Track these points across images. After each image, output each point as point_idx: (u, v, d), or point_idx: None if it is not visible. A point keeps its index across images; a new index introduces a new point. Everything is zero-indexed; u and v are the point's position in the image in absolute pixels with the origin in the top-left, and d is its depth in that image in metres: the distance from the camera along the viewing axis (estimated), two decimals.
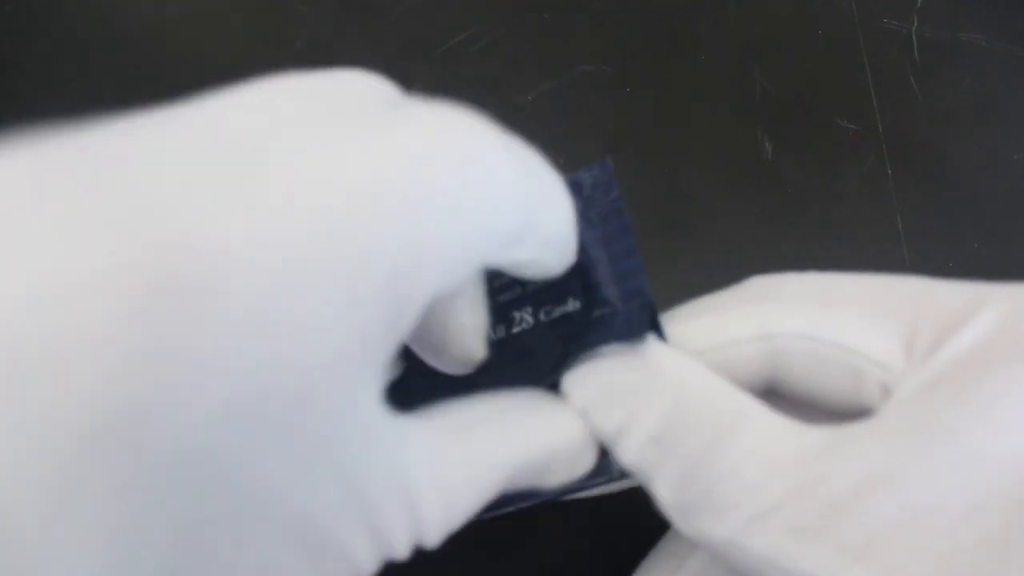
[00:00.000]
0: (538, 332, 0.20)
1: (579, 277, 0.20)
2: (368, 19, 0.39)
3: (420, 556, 0.15)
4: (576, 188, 0.22)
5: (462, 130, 0.15)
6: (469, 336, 0.18)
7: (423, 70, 0.37)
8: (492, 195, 0.15)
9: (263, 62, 0.39)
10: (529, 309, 0.20)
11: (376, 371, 0.13)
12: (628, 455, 0.17)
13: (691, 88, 0.36)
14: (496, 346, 0.20)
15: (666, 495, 0.16)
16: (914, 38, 0.37)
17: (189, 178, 0.12)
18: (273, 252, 0.11)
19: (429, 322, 0.18)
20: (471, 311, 0.18)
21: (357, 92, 0.16)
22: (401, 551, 0.14)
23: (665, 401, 0.17)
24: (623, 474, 0.18)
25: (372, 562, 0.14)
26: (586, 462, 0.18)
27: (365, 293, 0.12)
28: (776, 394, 0.19)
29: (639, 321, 0.18)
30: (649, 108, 0.36)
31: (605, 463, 0.18)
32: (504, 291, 0.21)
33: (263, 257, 0.11)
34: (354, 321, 0.12)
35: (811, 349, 0.17)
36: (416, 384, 0.19)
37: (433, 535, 0.15)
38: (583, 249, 0.20)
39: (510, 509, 0.19)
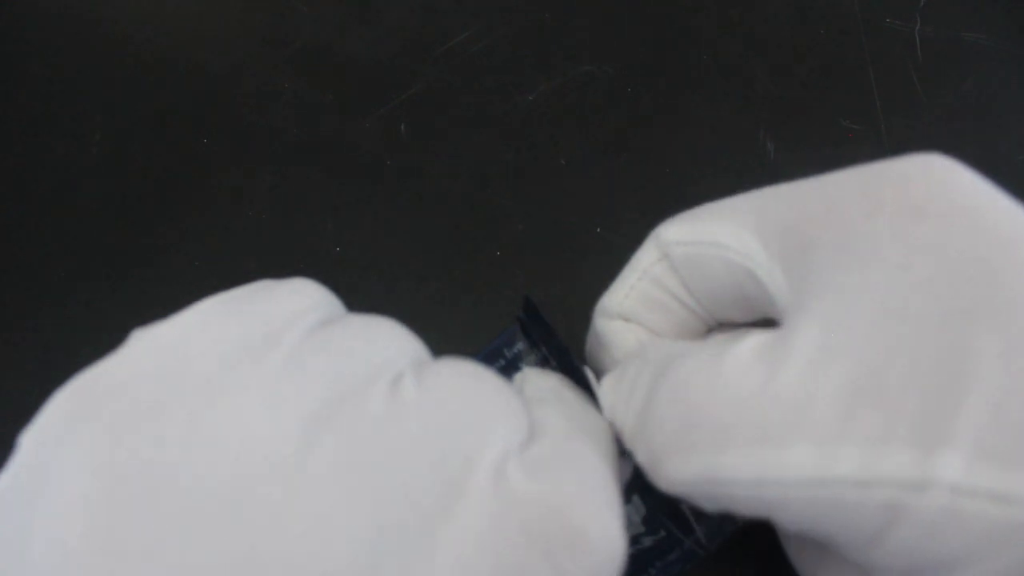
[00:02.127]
0: None
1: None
2: (368, 19, 0.39)
3: None
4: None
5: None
6: None
7: (423, 70, 0.37)
8: None
9: (263, 62, 0.39)
10: None
11: None
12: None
13: (692, 88, 0.36)
14: None
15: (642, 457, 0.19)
16: (917, 38, 0.37)
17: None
18: None
19: None
20: None
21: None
22: None
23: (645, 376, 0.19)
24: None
25: None
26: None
27: None
28: None
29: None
30: (649, 108, 0.36)
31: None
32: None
33: None
34: None
35: (691, 252, 0.21)
36: None
37: None
38: None
39: None
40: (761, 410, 0.16)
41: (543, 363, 0.25)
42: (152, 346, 0.16)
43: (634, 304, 0.23)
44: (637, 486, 0.23)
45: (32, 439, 0.14)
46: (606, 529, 0.15)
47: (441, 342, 0.22)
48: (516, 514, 0.15)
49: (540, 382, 0.22)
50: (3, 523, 0.14)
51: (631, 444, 0.19)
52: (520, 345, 0.26)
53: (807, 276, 0.17)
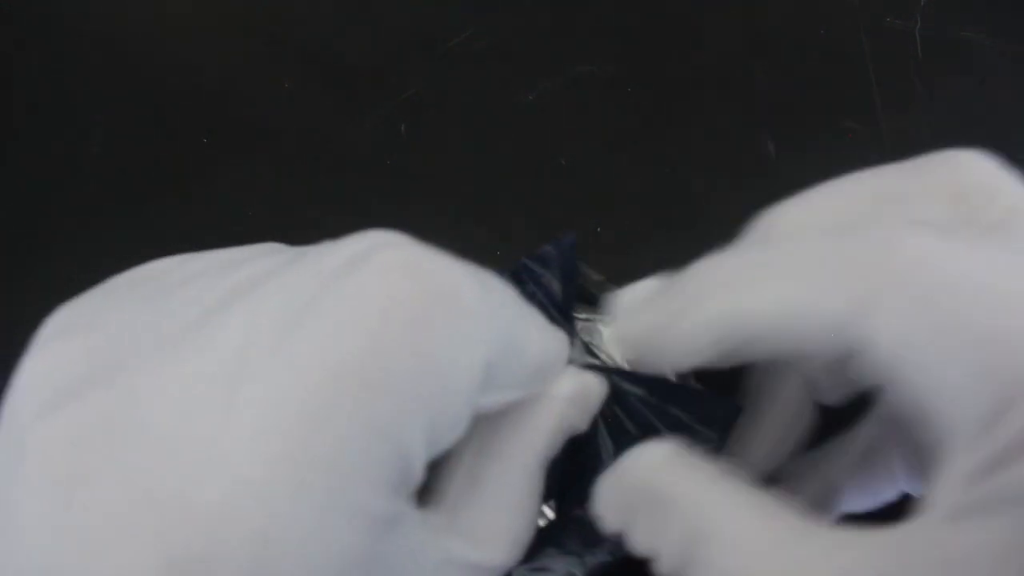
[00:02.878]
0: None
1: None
2: (368, 19, 0.39)
3: None
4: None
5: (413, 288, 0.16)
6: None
7: (423, 70, 0.37)
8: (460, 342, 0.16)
9: (263, 62, 0.39)
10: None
11: (396, 513, 0.15)
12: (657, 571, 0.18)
13: (693, 87, 0.36)
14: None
15: None
16: (917, 37, 0.36)
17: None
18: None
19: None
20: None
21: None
22: None
23: (677, 535, 0.17)
24: None
25: None
26: (595, 398, 0.21)
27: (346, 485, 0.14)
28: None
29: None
30: (650, 108, 0.36)
31: None
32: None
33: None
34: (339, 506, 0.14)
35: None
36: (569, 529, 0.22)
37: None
38: None
39: None
40: None
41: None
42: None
43: None
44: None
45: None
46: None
47: None
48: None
49: None
50: None
51: None
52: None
53: None
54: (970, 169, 0.18)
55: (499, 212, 0.34)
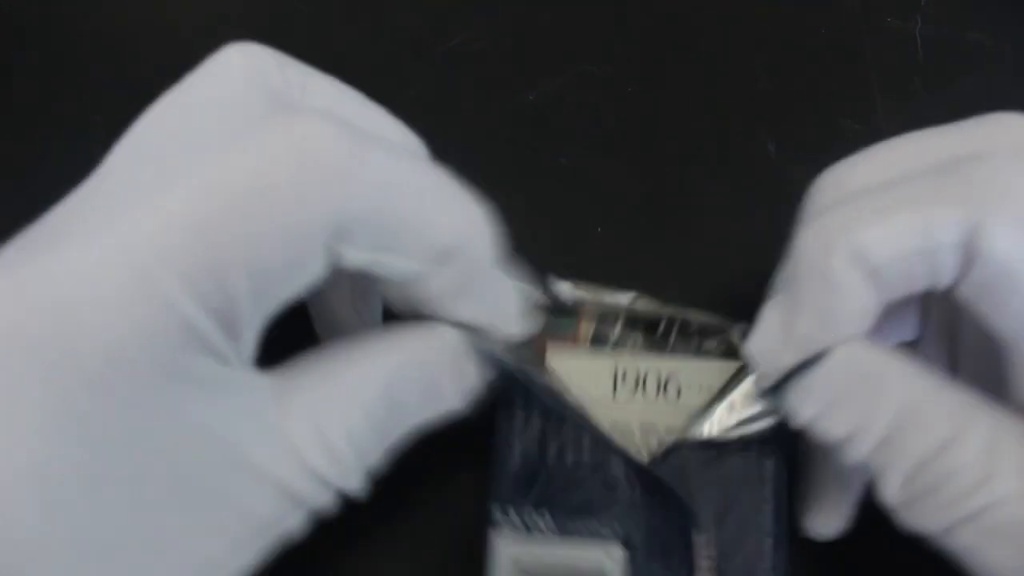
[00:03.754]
0: None
1: None
2: (368, 19, 0.39)
3: None
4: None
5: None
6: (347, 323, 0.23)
7: (423, 70, 0.37)
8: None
9: None
10: None
11: (220, 344, 0.16)
12: (858, 457, 0.19)
13: (693, 87, 0.36)
14: None
15: (892, 491, 0.18)
16: (918, 37, 0.36)
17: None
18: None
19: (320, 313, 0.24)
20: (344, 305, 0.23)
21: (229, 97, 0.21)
22: (319, 501, 0.17)
23: (893, 407, 0.18)
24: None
25: (288, 516, 0.17)
26: (470, 372, 0.20)
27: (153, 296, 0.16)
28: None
29: None
30: (650, 107, 0.36)
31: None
32: None
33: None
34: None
35: (905, 268, 0.18)
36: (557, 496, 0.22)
37: (345, 479, 0.18)
38: None
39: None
40: None
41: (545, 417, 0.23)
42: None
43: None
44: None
45: None
46: None
47: None
48: None
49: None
50: None
51: (871, 466, 0.19)
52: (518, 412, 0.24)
53: None
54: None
55: (499, 212, 0.34)
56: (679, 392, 0.24)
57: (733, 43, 0.37)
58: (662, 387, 0.24)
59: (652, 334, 0.25)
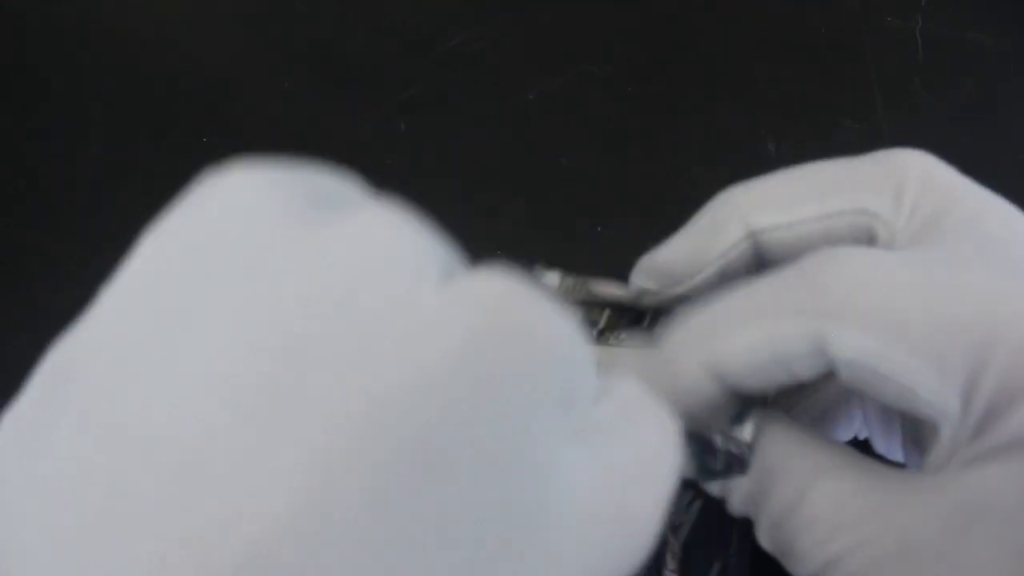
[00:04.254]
0: None
1: None
2: (368, 19, 0.39)
3: None
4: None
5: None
6: None
7: (423, 70, 0.37)
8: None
9: (263, 62, 0.39)
10: None
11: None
12: (734, 509, 0.20)
13: (693, 87, 0.36)
14: None
15: (764, 542, 0.19)
16: (918, 37, 0.36)
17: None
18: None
19: None
20: None
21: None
22: None
23: (756, 465, 0.19)
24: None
25: None
26: None
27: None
28: None
29: None
30: (650, 108, 0.36)
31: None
32: None
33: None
34: None
35: (788, 237, 0.21)
36: None
37: None
38: None
39: None
40: None
41: None
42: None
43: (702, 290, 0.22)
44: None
45: (8, 432, 0.13)
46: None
47: None
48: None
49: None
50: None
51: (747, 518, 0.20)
52: None
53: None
54: (910, 165, 0.20)
55: (499, 212, 0.34)
56: None
57: (733, 43, 0.37)
58: None
59: (637, 324, 0.26)
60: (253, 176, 0.15)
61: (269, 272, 0.12)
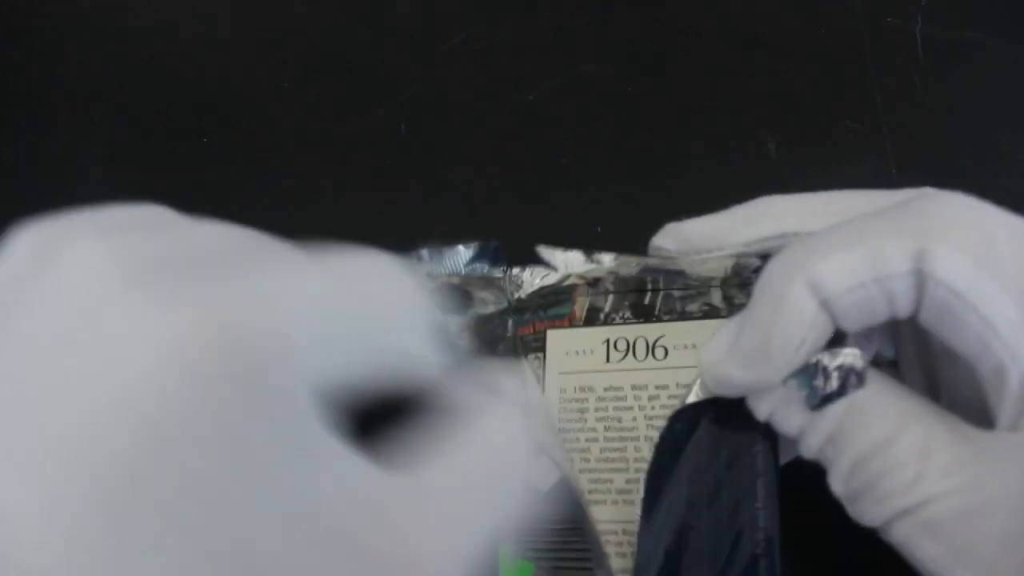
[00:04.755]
0: None
1: None
2: (368, 19, 0.39)
3: None
4: None
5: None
6: None
7: (423, 70, 0.37)
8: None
9: (263, 62, 0.39)
10: None
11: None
12: (809, 451, 0.20)
13: (693, 87, 0.36)
14: None
15: (838, 485, 0.19)
16: (918, 37, 0.36)
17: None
18: None
19: None
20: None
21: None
22: None
23: (838, 407, 0.19)
24: None
25: None
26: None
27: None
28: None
29: None
30: (650, 108, 0.36)
31: None
32: None
33: None
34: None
35: (862, 296, 0.19)
36: None
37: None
38: None
39: None
40: None
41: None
42: None
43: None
44: None
45: None
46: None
47: None
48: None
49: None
50: None
51: (820, 460, 0.20)
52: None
53: None
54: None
55: (499, 212, 0.34)
56: (666, 353, 0.26)
57: (733, 43, 0.37)
58: (650, 350, 0.26)
59: (640, 303, 0.28)
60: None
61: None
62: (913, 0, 0.37)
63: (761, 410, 0.20)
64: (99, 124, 0.36)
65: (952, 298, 0.18)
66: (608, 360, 0.27)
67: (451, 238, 0.33)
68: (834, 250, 0.19)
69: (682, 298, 0.27)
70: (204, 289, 0.13)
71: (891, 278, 0.18)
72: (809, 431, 0.20)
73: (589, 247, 0.33)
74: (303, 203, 0.34)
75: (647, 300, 0.28)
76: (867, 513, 0.19)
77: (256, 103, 0.37)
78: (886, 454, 0.18)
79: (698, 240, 0.24)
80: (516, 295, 0.28)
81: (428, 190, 0.34)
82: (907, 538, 0.18)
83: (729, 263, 0.25)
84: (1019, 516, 0.17)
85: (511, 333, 0.28)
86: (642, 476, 0.23)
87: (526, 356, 0.27)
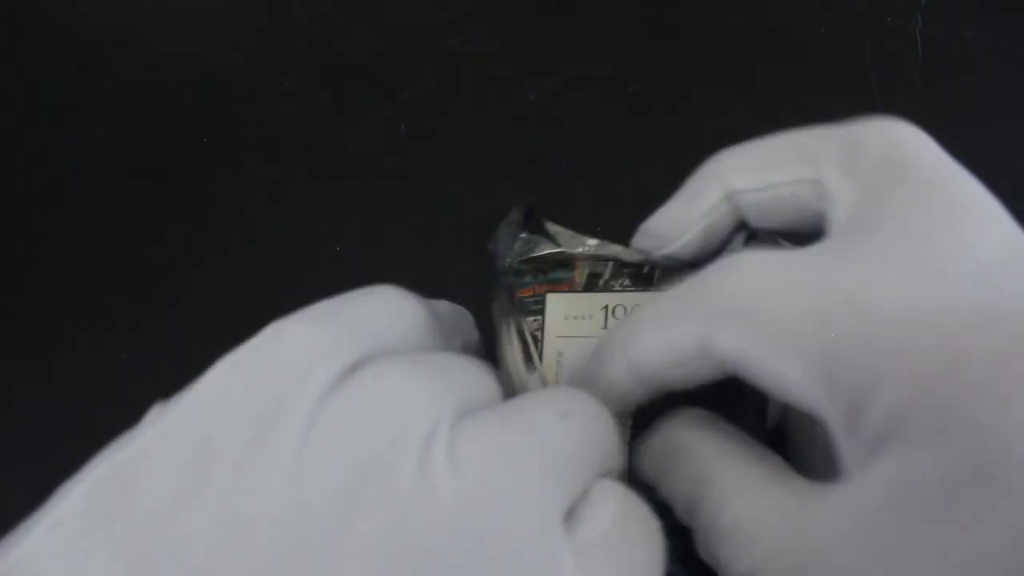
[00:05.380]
0: None
1: None
2: (368, 19, 0.39)
3: None
4: None
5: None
6: None
7: (423, 70, 0.37)
8: None
9: (263, 62, 0.39)
10: None
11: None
12: (681, 520, 0.21)
13: (693, 87, 0.36)
14: None
15: (701, 552, 0.20)
16: (918, 37, 0.36)
17: None
18: None
19: None
20: None
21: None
22: None
23: (689, 479, 0.20)
24: None
25: None
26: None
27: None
28: None
29: None
30: (650, 108, 0.36)
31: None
32: None
33: None
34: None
35: (762, 199, 0.22)
36: None
37: None
38: None
39: None
40: None
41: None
42: (171, 428, 0.15)
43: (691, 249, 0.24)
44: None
45: (51, 542, 0.14)
46: None
47: None
48: None
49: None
50: None
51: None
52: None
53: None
54: (874, 135, 0.22)
55: (499, 212, 0.34)
56: None
57: (733, 43, 0.37)
58: None
59: (639, 275, 0.28)
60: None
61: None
62: (913, 0, 0.37)
63: (646, 477, 0.21)
64: (99, 124, 0.36)
65: (746, 371, 0.18)
66: (606, 326, 0.27)
67: (452, 239, 0.33)
68: (641, 336, 0.20)
69: (681, 269, 0.28)
70: None
71: (690, 360, 0.19)
72: (674, 500, 0.20)
73: None
74: (303, 203, 0.34)
75: (646, 269, 0.28)
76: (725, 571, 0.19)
77: (256, 103, 0.37)
78: (718, 524, 0.19)
79: (664, 231, 0.25)
80: (519, 258, 0.29)
81: (428, 190, 0.34)
82: None
83: (699, 238, 0.26)
84: (841, 570, 0.17)
85: (508, 294, 0.29)
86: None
87: (525, 318, 0.27)
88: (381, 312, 0.18)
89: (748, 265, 0.19)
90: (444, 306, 0.22)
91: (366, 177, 0.35)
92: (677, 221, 0.25)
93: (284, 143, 0.36)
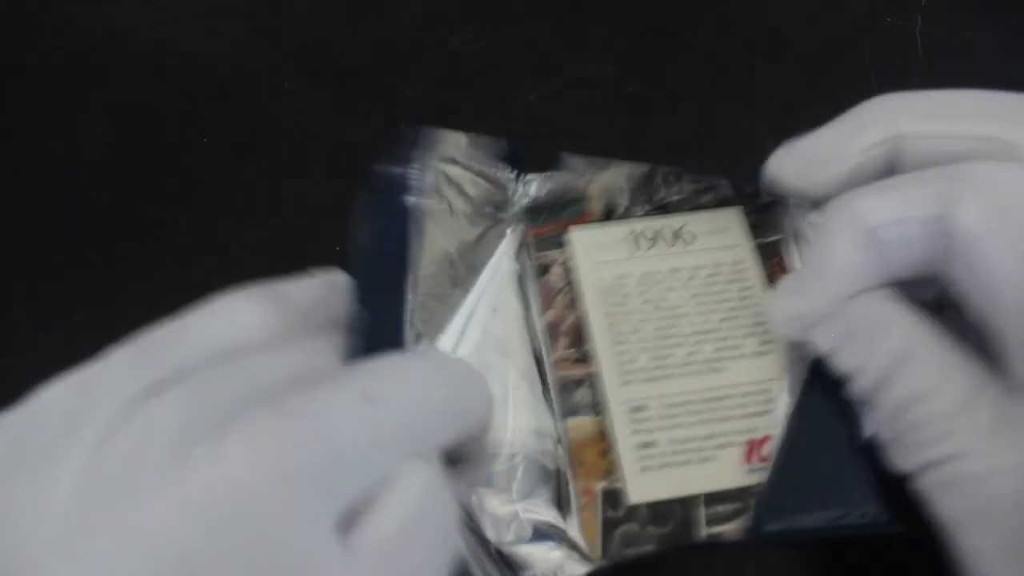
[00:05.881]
0: None
1: None
2: (368, 19, 0.39)
3: None
4: None
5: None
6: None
7: (423, 70, 0.37)
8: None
9: (263, 62, 0.39)
10: None
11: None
12: (859, 393, 0.21)
13: (693, 87, 0.36)
14: None
15: (880, 429, 0.20)
16: (918, 37, 0.36)
17: None
18: None
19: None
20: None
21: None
22: None
23: (888, 352, 0.20)
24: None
25: None
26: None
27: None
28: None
29: None
30: (649, 108, 0.36)
31: None
32: None
33: None
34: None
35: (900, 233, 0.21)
36: None
37: None
38: None
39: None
40: None
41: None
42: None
43: None
44: None
45: None
46: None
47: None
48: None
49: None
50: None
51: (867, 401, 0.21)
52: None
53: None
54: None
55: None
56: (695, 237, 0.28)
57: (733, 43, 0.37)
58: (678, 237, 0.28)
59: (654, 200, 0.29)
60: None
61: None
62: (913, 0, 0.37)
63: (822, 342, 0.21)
64: (99, 125, 0.36)
65: (969, 248, 0.19)
66: (639, 249, 0.28)
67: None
68: (874, 192, 0.20)
69: (695, 192, 0.29)
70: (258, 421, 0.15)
71: (918, 220, 0.19)
72: (861, 372, 0.20)
73: None
74: (303, 203, 0.34)
75: (662, 194, 0.29)
76: (898, 460, 0.20)
77: (256, 103, 0.37)
78: (928, 403, 0.19)
79: (813, 156, 0.24)
80: (526, 199, 0.29)
81: None
82: (930, 490, 0.19)
83: (847, 174, 0.24)
84: None
85: (522, 238, 0.28)
86: (700, 347, 0.25)
87: (547, 251, 0.28)
88: (215, 331, 0.19)
89: (995, 167, 0.20)
90: (306, 285, 0.22)
91: (366, 177, 0.35)
92: (835, 148, 0.23)
93: (284, 143, 0.36)
